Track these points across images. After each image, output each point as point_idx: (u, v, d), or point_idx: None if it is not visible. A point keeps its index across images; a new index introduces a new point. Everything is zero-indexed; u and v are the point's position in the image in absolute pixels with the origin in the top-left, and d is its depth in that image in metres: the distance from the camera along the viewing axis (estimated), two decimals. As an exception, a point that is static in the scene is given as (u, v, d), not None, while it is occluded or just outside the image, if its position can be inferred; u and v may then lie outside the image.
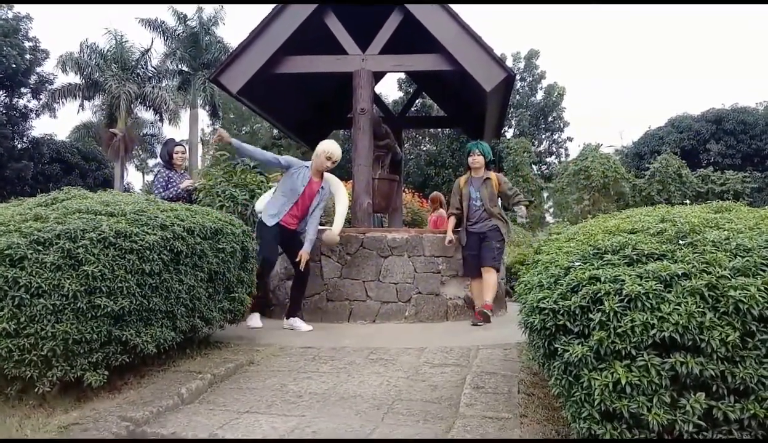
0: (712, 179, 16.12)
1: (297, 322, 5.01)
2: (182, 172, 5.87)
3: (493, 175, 5.43)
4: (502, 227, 5.27)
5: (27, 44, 22.57)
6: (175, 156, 5.74)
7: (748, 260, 2.03)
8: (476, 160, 5.39)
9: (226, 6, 26.61)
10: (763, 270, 1.98)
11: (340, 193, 5.20)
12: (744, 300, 1.87)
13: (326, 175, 5.09)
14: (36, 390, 2.83)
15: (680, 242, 2.30)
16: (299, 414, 2.86)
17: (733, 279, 1.95)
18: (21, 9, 22.37)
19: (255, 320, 4.96)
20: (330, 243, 5.27)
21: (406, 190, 13.04)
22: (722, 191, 15.48)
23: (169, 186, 5.60)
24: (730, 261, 2.05)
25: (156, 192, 5.54)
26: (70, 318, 2.80)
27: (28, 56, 22.46)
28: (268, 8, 5.98)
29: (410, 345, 4.32)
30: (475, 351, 4.06)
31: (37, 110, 24.37)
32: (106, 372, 2.98)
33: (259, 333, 4.72)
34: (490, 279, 5.24)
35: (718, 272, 1.99)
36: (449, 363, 3.82)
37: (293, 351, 4.15)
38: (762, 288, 1.89)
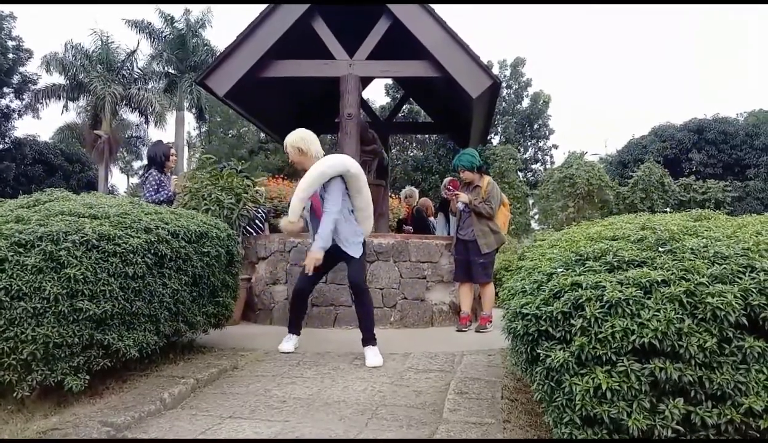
0: (694, 188, 16.37)
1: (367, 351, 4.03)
2: (169, 174, 5.81)
3: (485, 181, 5.44)
4: (481, 238, 5.23)
5: (10, 43, 22.25)
6: (171, 158, 5.62)
7: (725, 268, 2.07)
8: (465, 176, 5.47)
9: (213, 8, 26.57)
10: (740, 278, 2.02)
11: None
12: (721, 307, 1.91)
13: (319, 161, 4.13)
14: (15, 394, 2.78)
15: (660, 249, 2.34)
16: (283, 420, 2.85)
17: (710, 287, 1.99)
18: (4, 8, 22.08)
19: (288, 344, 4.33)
20: (286, 231, 4.27)
21: (392, 195, 13.07)
22: (704, 200, 15.73)
23: (160, 189, 5.48)
24: (708, 268, 2.09)
25: (147, 195, 5.39)
26: (51, 321, 2.77)
27: (10, 55, 22.16)
28: (256, 11, 5.98)
29: (395, 350, 4.33)
30: (459, 357, 4.08)
31: (19, 110, 24.04)
32: (88, 377, 2.94)
33: (244, 339, 4.69)
34: (485, 292, 5.41)
35: (696, 279, 2.03)
36: (433, 368, 3.83)
37: (277, 356, 4.14)
38: (738, 295, 1.93)
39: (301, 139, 4.16)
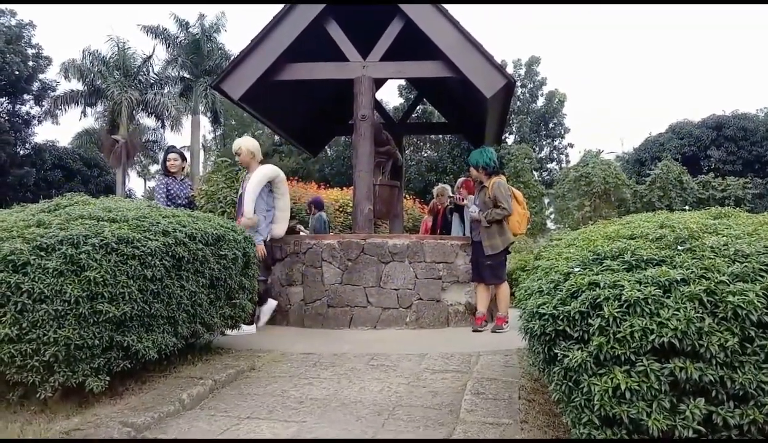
0: (713, 185, 16.14)
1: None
2: (182, 178, 5.89)
3: (491, 181, 5.35)
4: (486, 240, 5.17)
5: (30, 51, 22.70)
6: (168, 163, 5.77)
7: (746, 266, 2.04)
8: (472, 173, 5.48)
9: (227, 13, 26.83)
10: (762, 276, 1.98)
11: (251, 178, 5.24)
12: (742, 305, 1.88)
13: (260, 166, 5.40)
14: (38, 395, 2.83)
15: (679, 248, 2.31)
16: (300, 420, 2.87)
17: (731, 285, 1.96)
18: (24, 16, 22.56)
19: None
20: (246, 225, 5.04)
21: (406, 196, 13.07)
22: (723, 197, 15.50)
23: (169, 196, 5.62)
24: (728, 266, 2.06)
25: (160, 200, 5.52)
26: (72, 323, 2.81)
27: (30, 63, 22.59)
28: (270, 15, 6.03)
29: (411, 351, 4.33)
30: (475, 358, 4.06)
31: (39, 117, 24.49)
32: (108, 378, 2.99)
33: (260, 340, 4.72)
34: (499, 293, 5.37)
35: (716, 278, 2.00)
36: (450, 369, 3.82)
37: (294, 357, 4.16)
38: (760, 293, 1.90)
39: (254, 145, 5.47)
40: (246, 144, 5.42)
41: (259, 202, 5.19)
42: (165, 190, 5.63)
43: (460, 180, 7.28)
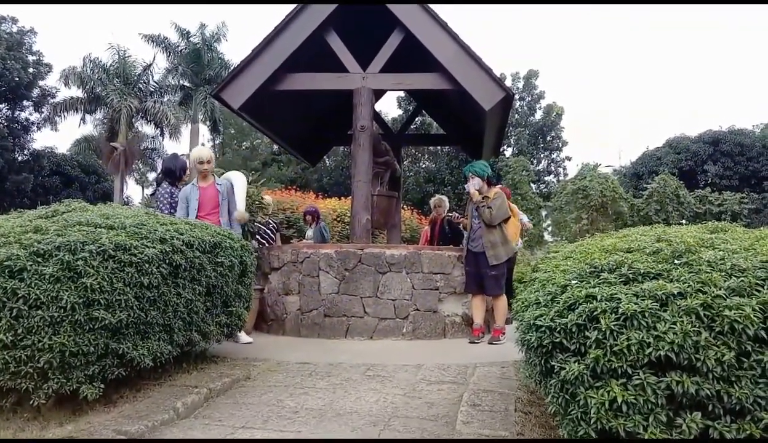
0: (710, 200, 16.19)
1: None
2: (182, 187, 5.85)
3: (492, 191, 5.43)
4: (490, 249, 5.20)
5: (30, 58, 22.73)
6: (187, 172, 5.67)
7: (743, 280, 2.04)
8: (475, 183, 5.46)
9: (228, 23, 26.95)
10: (758, 291, 1.99)
11: (235, 183, 5.53)
12: (739, 320, 1.88)
13: (228, 174, 5.72)
14: (31, 402, 2.82)
15: (676, 262, 2.32)
16: (295, 430, 2.85)
17: (728, 299, 1.97)
18: (25, 23, 22.63)
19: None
20: (239, 219, 5.39)
21: (404, 206, 13.09)
22: (720, 212, 15.54)
23: (173, 205, 5.50)
24: (725, 281, 2.07)
25: (163, 209, 5.39)
26: (68, 330, 2.80)
27: (31, 70, 22.60)
28: (271, 25, 6.07)
29: (407, 362, 4.32)
30: (472, 369, 4.05)
31: (38, 123, 24.45)
32: (102, 386, 2.97)
33: (257, 349, 4.70)
34: (497, 304, 5.36)
35: (713, 292, 2.00)
36: (446, 380, 3.81)
37: (290, 367, 4.14)
38: (757, 308, 1.91)
39: (214, 155, 5.64)
40: (212, 154, 5.63)
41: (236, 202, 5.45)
42: (169, 198, 5.53)
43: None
